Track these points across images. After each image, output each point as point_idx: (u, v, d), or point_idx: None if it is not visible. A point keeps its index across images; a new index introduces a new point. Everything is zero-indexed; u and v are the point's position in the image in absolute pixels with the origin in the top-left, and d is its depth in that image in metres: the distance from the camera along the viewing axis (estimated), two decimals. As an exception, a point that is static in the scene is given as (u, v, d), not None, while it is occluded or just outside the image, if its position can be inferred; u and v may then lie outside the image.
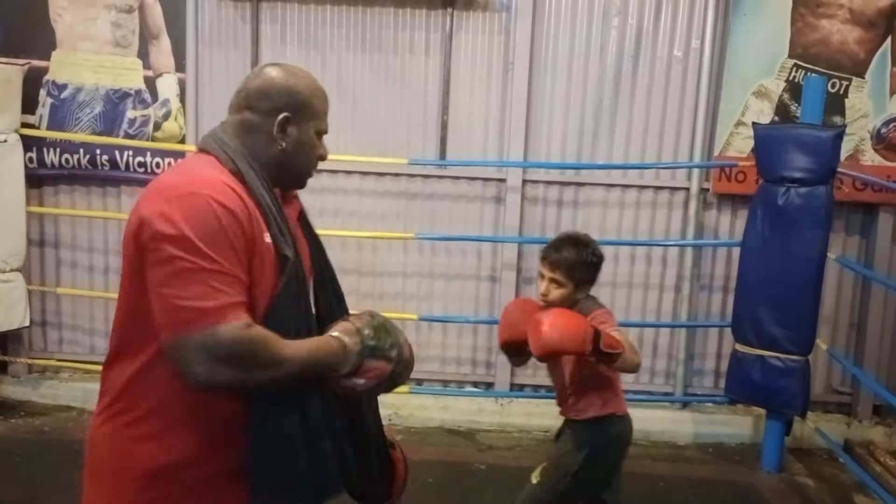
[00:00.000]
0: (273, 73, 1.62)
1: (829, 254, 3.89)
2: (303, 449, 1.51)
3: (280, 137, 1.59)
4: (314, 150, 1.67)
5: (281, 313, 1.51)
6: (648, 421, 4.54)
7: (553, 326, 2.20)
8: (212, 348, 1.37)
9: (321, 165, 1.72)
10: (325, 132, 1.69)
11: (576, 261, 2.48)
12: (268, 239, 1.50)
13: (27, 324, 4.47)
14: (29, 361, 4.75)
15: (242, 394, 1.48)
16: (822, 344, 4.27)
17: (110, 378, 1.56)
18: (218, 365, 1.37)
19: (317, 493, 1.56)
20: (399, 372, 1.63)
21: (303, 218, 1.75)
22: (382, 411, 1.86)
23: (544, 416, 4.56)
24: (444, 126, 4.56)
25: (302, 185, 1.70)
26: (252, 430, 1.49)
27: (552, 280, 2.48)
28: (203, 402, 1.48)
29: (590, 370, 2.47)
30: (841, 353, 4.60)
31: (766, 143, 3.88)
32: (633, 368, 2.44)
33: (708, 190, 4.55)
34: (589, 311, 2.44)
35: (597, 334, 2.21)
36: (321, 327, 1.62)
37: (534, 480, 2.64)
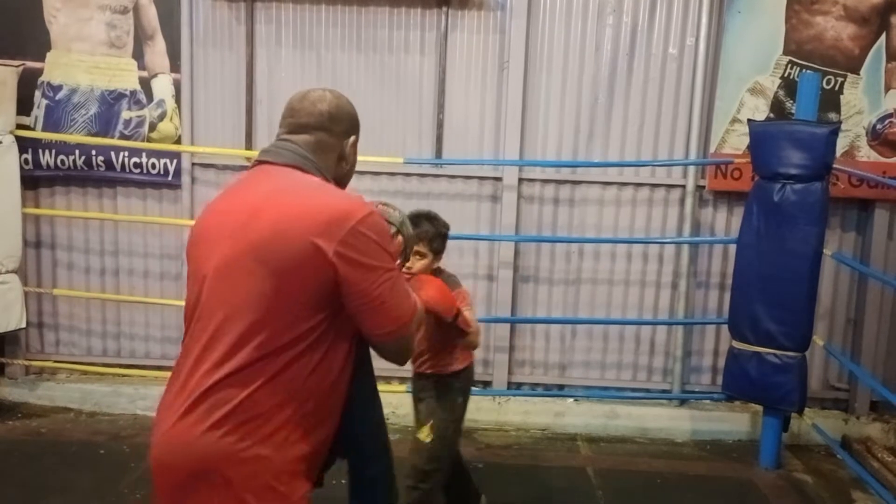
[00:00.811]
0: (335, 98, 1.81)
1: (825, 250, 3.90)
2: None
3: (349, 158, 1.83)
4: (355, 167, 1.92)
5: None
6: (646, 418, 4.56)
7: (436, 290, 2.64)
8: (419, 323, 1.78)
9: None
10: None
11: (434, 233, 2.87)
12: None
13: (24, 325, 4.47)
14: (26, 363, 4.74)
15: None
16: (818, 340, 4.28)
17: (231, 391, 1.58)
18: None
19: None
20: (407, 231, 2.15)
21: None
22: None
23: (542, 413, 4.58)
24: (439, 125, 4.56)
25: None
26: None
27: (416, 252, 2.82)
28: (327, 389, 1.70)
29: (443, 335, 2.85)
30: (838, 349, 4.60)
31: (762, 139, 3.88)
32: (473, 347, 2.96)
33: (704, 187, 4.55)
34: (452, 289, 2.80)
35: (458, 310, 2.70)
36: None
37: (427, 440, 2.90)
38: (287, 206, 1.61)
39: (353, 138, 1.82)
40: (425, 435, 2.90)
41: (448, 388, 2.96)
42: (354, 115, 1.84)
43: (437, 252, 2.91)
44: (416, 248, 2.81)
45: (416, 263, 2.84)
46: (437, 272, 2.92)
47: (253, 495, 1.58)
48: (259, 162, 1.76)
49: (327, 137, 1.77)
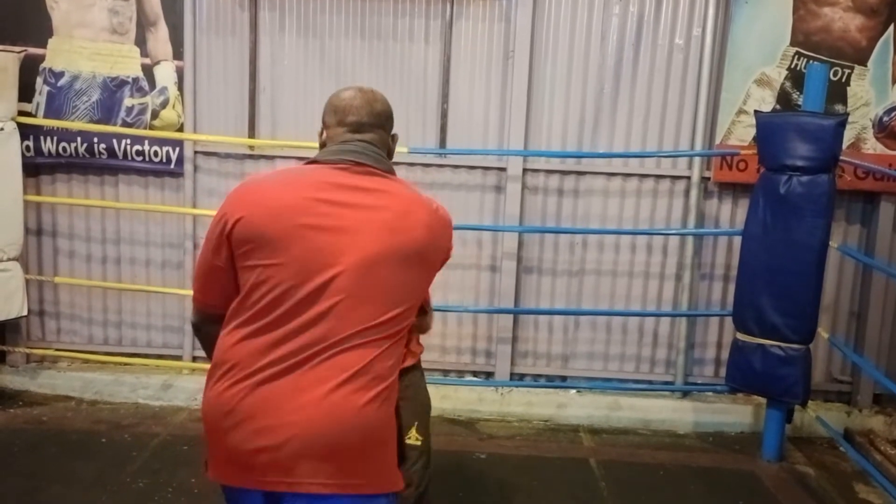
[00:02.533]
0: (382, 96, 1.96)
1: (830, 242, 3.88)
2: None
3: (392, 152, 1.99)
4: None
5: None
6: (649, 410, 4.56)
7: None
8: None
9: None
10: None
11: None
12: None
13: (25, 313, 4.44)
14: (27, 351, 4.72)
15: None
16: (823, 332, 4.26)
17: (378, 363, 1.76)
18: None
19: None
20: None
21: None
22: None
23: (544, 405, 4.57)
24: (444, 114, 4.53)
25: None
26: None
27: None
28: None
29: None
30: (841, 341, 4.59)
31: (768, 131, 3.86)
32: (425, 330, 2.64)
33: (709, 178, 4.54)
34: None
35: None
36: None
37: (417, 442, 2.74)
38: (424, 216, 1.84)
39: (395, 134, 2.00)
40: (414, 437, 2.74)
41: (413, 383, 2.78)
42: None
43: None
44: None
45: None
46: None
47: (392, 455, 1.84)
48: (355, 163, 1.84)
49: (384, 135, 1.94)
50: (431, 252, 1.86)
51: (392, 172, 1.90)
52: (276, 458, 1.68)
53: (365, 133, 1.89)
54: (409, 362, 2.76)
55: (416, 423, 2.75)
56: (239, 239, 1.76)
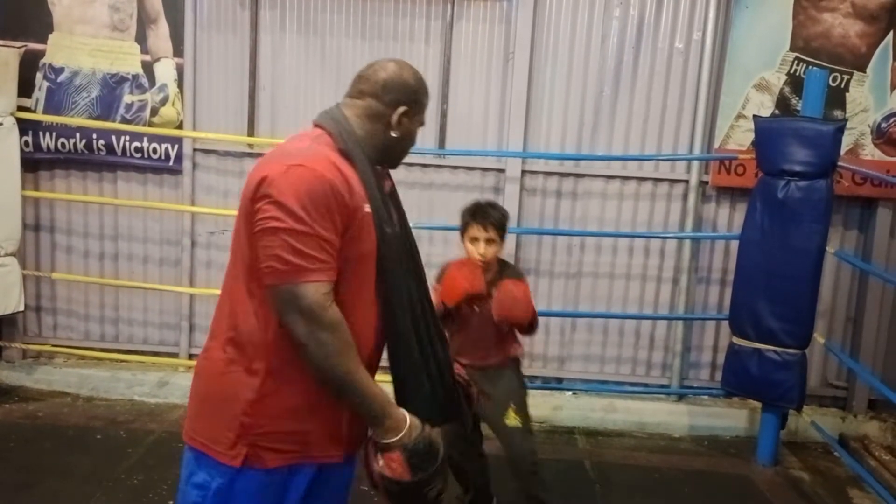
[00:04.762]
0: (396, 68, 1.88)
1: (827, 247, 3.89)
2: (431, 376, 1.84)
3: (396, 127, 1.86)
4: (414, 139, 1.96)
5: (387, 278, 1.77)
6: (644, 412, 4.56)
7: (527, 302, 2.86)
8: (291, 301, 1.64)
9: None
10: (423, 125, 1.97)
11: (504, 218, 3.02)
12: (367, 209, 1.73)
13: (22, 308, 4.44)
14: (23, 346, 4.72)
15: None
16: (819, 337, 4.27)
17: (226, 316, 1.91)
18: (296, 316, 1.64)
19: (441, 413, 1.85)
20: (412, 494, 1.74)
21: (393, 192, 1.94)
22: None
23: (540, 406, 4.56)
24: (443, 115, 4.53)
25: (396, 165, 1.97)
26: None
27: (489, 240, 2.95)
28: None
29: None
30: (837, 346, 4.60)
31: (767, 135, 3.87)
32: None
33: (707, 182, 4.54)
34: (521, 278, 3.02)
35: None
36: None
37: (517, 424, 2.98)
38: (265, 166, 1.72)
39: (402, 109, 1.85)
40: (512, 419, 2.96)
41: (513, 373, 3.09)
42: (414, 89, 1.89)
43: (503, 240, 3.03)
44: (488, 235, 2.95)
45: (489, 250, 2.95)
46: (502, 264, 3.09)
47: None
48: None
49: (376, 104, 1.84)
50: (248, 204, 1.72)
51: (327, 129, 1.81)
52: None
53: (356, 99, 1.87)
54: (518, 351, 3.13)
55: (512, 407, 2.98)
56: None
